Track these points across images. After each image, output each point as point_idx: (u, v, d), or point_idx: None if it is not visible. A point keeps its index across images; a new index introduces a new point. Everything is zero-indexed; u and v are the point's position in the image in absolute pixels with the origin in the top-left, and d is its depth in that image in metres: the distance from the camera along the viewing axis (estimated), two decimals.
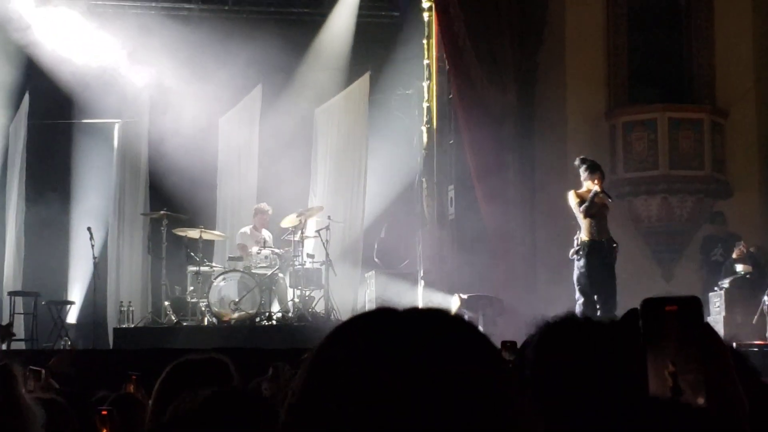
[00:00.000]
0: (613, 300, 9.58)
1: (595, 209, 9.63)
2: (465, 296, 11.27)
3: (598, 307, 9.67)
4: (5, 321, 11.28)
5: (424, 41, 12.62)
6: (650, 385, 1.31)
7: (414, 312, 1.13)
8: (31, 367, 5.55)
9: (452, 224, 12.30)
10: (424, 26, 12.60)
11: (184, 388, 3.16)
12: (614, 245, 9.75)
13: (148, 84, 12.58)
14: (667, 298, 1.36)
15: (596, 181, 9.63)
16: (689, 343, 1.32)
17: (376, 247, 12.15)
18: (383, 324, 1.11)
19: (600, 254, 9.67)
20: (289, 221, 11.34)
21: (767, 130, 12.67)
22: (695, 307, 1.34)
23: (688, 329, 1.33)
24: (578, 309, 9.51)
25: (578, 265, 9.77)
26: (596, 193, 9.56)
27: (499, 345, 5.00)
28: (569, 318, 1.55)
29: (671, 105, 12.45)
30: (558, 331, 1.52)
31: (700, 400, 1.31)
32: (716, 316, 10.85)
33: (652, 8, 12.86)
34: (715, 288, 11.08)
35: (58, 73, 12.64)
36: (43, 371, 5.67)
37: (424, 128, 12.71)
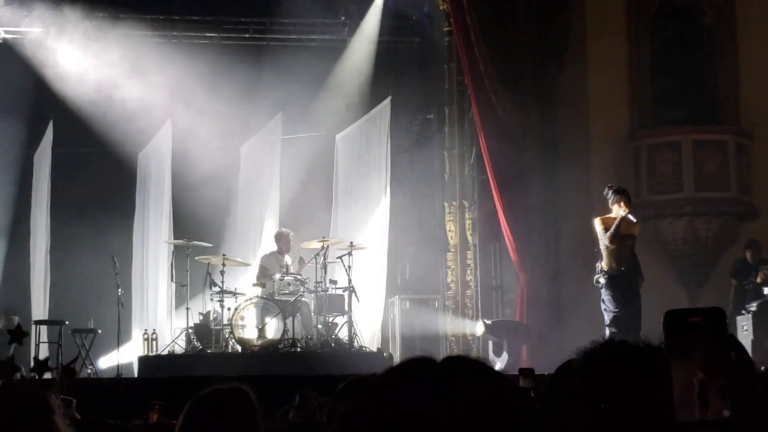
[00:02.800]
0: (637, 322, 9.48)
1: (619, 239, 9.55)
2: (489, 322, 11.22)
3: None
4: (33, 351, 11.32)
5: (445, 65, 12.64)
6: (675, 396, 1.29)
7: (449, 364, 1.21)
8: (62, 396, 5.56)
9: (475, 249, 12.25)
10: (444, 51, 12.62)
11: (209, 420, 3.23)
12: (637, 274, 9.65)
13: (170, 112, 12.66)
14: (691, 309, 1.36)
15: (622, 204, 9.57)
16: (714, 353, 1.31)
17: (399, 272, 12.12)
18: (420, 379, 1.18)
19: (621, 280, 9.61)
20: (310, 245, 11.35)
21: None
22: (719, 317, 1.33)
23: (713, 340, 1.31)
24: (607, 335, 9.44)
25: (603, 291, 9.73)
26: (623, 218, 9.51)
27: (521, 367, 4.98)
28: (608, 342, 1.55)
29: (695, 127, 12.39)
30: (600, 355, 1.51)
31: (726, 412, 1.29)
32: (744, 339, 10.72)
33: (675, 29, 12.84)
34: (743, 311, 10.96)
35: (82, 103, 12.74)
36: (74, 401, 5.67)
37: (445, 153, 12.69)
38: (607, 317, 9.65)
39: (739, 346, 1.36)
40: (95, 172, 13.32)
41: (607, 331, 9.41)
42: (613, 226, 9.47)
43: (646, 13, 12.72)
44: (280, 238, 11.76)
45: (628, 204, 9.63)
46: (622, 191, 9.69)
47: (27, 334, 6.46)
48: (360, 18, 13.25)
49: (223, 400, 3.19)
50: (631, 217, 9.61)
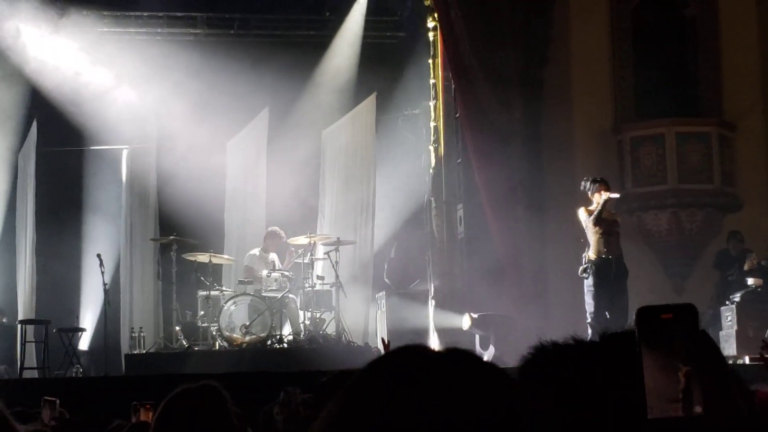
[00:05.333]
0: (624, 317, 9.56)
1: (604, 223, 9.64)
2: (476, 315, 11.25)
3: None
4: (19, 351, 11.31)
5: (430, 61, 12.66)
6: (647, 393, 1.30)
7: (442, 355, 1.19)
8: (45, 397, 5.55)
9: (462, 243, 12.29)
10: (429, 46, 12.64)
11: (180, 420, 3.25)
12: (623, 263, 9.74)
13: (156, 109, 12.63)
14: (662, 306, 1.35)
15: (602, 193, 9.67)
16: (686, 350, 1.32)
17: (386, 267, 12.14)
18: (412, 368, 1.16)
19: (607, 272, 9.67)
20: (297, 240, 11.37)
21: None
22: (690, 314, 1.34)
23: (684, 337, 1.33)
24: (589, 329, 9.50)
25: (587, 284, 9.78)
26: (607, 198, 9.61)
27: (512, 362, 5.01)
28: (552, 344, 1.57)
29: (678, 119, 12.44)
30: (542, 357, 1.53)
31: (698, 409, 1.30)
32: (728, 330, 10.80)
33: (657, 22, 12.88)
34: (727, 302, 11.03)
35: (66, 101, 12.70)
36: (57, 401, 5.67)
37: (431, 147, 12.72)
38: (588, 312, 9.72)
39: (711, 343, 1.38)
40: (81, 171, 13.30)
41: (589, 330, 9.48)
42: (598, 207, 9.57)
43: (629, 5, 12.75)
44: (272, 236, 11.72)
45: (608, 190, 9.72)
46: (600, 180, 9.78)
47: None
48: (344, 14, 13.26)
49: (194, 398, 3.20)
50: (614, 195, 9.71)
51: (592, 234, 9.73)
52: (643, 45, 12.70)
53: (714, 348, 1.36)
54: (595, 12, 12.58)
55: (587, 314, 9.76)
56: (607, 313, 9.69)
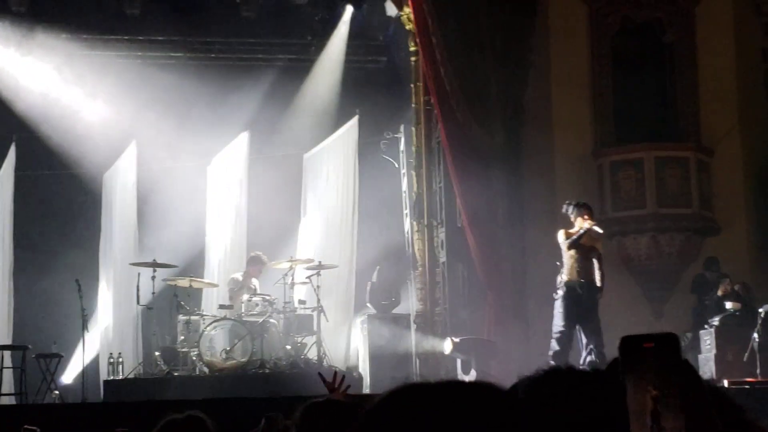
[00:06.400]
0: (598, 340, 9.60)
1: (581, 248, 9.71)
2: (457, 339, 11.24)
3: (587, 350, 9.70)
4: None
5: (412, 85, 12.71)
6: (631, 423, 1.33)
7: (442, 387, 1.22)
8: (26, 426, 5.49)
9: (443, 267, 12.30)
10: (411, 70, 12.69)
11: None
12: (596, 288, 9.78)
13: (135, 133, 12.58)
14: (645, 335, 1.38)
15: (585, 217, 9.74)
16: (667, 379, 1.34)
17: (368, 291, 12.12)
18: (416, 405, 1.19)
19: (578, 296, 9.74)
20: (278, 264, 11.35)
21: (753, 166, 12.78)
22: (672, 343, 1.37)
23: (666, 366, 1.35)
24: (551, 353, 9.57)
25: (556, 305, 9.87)
26: (588, 229, 9.67)
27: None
28: (552, 370, 1.58)
29: (657, 144, 12.56)
30: (541, 384, 1.54)
31: None
32: (707, 353, 10.86)
33: (635, 48, 13.02)
34: (705, 326, 11.09)
35: (44, 124, 12.63)
36: (38, 430, 5.60)
37: (413, 171, 12.75)
38: (554, 332, 9.79)
39: (692, 372, 1.41)
40: (59, 194, 13.20)
41: (551, 350, 9.56)
42: (577, 234, 9.64)
43: (608, 31, 12.88)
44: (254, 261, 11.70)
45: (592, 216, 9.79)
46: (584, 204, 9.87)
47: None
48: (326, 38, 13.30)
49: (180, 429, 3.21)
50: (597, 228, 9.77)
51: (567, 257, 9.82)
52: (622, 70, 12.83)
53: (695, 377, 1.39)
54: (575, 37, 12.70)
55: (552, 334, 9.84)
56: (581, 335, 9.75)
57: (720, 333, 10.83)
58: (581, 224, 9.79)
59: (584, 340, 9.87)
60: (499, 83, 11.91)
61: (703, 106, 12.85)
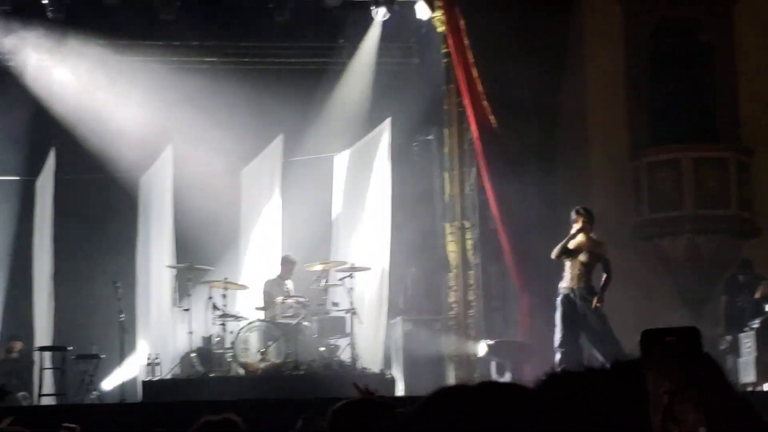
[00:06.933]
0: (606, 348, 9.41)
1: (571, 254, 9.60)
2: (491, 342, 11.22)
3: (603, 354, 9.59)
4: (37, 378, 11.33)
5: (444, 87, 12.70)
6: (651, 415, 1.33)
7: (483, 389, 1.23)
8: (64, 424, 5.56)
9: (476, 269, 12.26)
10: (443, 72, 12.68)
11: None
12: (590, 296, 9.61)
13: (171, 137, 12.70)
14: (666, 329, 1.39)
15: (576, 225, 9.65)
16: (689, 372, 1.35)
17: (401, 293, 12.13)
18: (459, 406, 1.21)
19: (570, 303, 9.64)
20: (312, 267, 11.40)
21: None
22: (694, 337, 1.37)
23: (688, 359, 1.36)
24: (555, 358, 9.48)
25: (555, 314, 9.75)
26: (574, 233, 9.60)
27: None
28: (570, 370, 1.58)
29: (694, 145, 12.43)
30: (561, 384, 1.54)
31: (702, 430, 1.32)
32: (747, 357, 10.70)
33: (672, 47, 12.88)
34: (746, 328, 10.94)
35: (82, 130, 12.78)
36: (78, 427, 5.67)
37: (445, 173, 12.73)
38: (555, 338, 9.67)
39: (715, 365, 1.39)
40: (97, 198, 13.35)
41: (556, 358, 9.47)
42: (565, 239, 9.56)
43: (644, 30, 12.78)
44: (285, 262, 11.81)
45: (586, 223, 9.61)
46: (579, 211, 9.71)
47: (9, 393, 6.50)
48: (359, 40, 13.31)
49: (217, 429, 3.29)
50: (573, 233, 9.61)
51: (564, 264, 9.71)
52: (659, 70, 12.71)
53: (717, 369, 1.38)
54: (610, 37, 12.61)
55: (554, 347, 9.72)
56: (569, 346, 9.59)
57: (761, 335, 10.67)
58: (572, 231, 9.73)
59: (595, 352, 9.69)
60: (533, 84, 11.86)
61: (742, 105, 12.70)
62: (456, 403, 1.22)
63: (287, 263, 11.79)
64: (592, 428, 1.43)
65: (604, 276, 9.65)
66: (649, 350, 1.38)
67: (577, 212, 9.69)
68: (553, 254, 9.65)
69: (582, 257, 9.60)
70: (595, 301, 9.54)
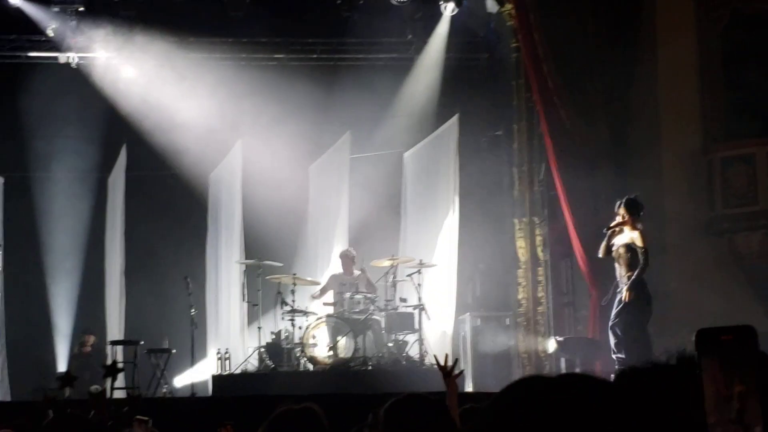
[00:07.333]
0: (615, 345, 9.32)
1: (610, 251, 9.48)
2: (561, 338, 11.11)
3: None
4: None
5: (513, 82, 12.60)
6: (707, 414, 1.31)
7: (562, 380, 1.22)
8: (137, 416, 5.64)
9: (545, 265, 12.16)
10: (512, 67, 12.59)
11: None
12: (618, 290, 9.48)
13: (239, 133, 12.82)
14: (722, 327, 1.37)
15: (618, 217, 9.52)
16: (746, 371, 1.33)
17: (469, 290, 12.08)
18: (537, 396, 1.20)
19: (610, 298, 9.57)
20: (380, 263, 11.43)
21: None
22: (751, 336, 1.36)
23: (744, 358, 1.34)
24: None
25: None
26: (610, 228, 9.49)
27: None
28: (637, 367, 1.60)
29: None
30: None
31: (758, 429, 1.31)
32: None
33: (747, 40, 12.61)
34: None
35: (152, 126, 12.97)
36: (150, 420, 5.76)
37: (515, 169, 12.64)
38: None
39: None
40: (168, 195, 13.54)
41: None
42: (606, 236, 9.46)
43: (717, 25, 12.53)
44: (343, 258, 11.85)
45: (628, 215, 9.45)
46: (624, 202, 9.52)
47: (120, 370, 6.59)
48: (427, 36, 13.28)
49: (295, 419, 3.33)
50: (612, 224, 9.47)
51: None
52: (732, 64, 12.45)
53: None
54: (683, 31, 12.39)
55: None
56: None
57: None
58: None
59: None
60: (604, 79, 11.71)
61: None
62: (537, 393, 1.21)
63: (345, 258, 11.82)
64: (656, 426, 1.43)
65: (638, 268, 9.42)
66: (704, 348, 1.35)
67: (618, 205, 9.56)
68: (600, 253, 9.52)
69: (622, 251, 9.45)
70: (625, 293, 9.35)
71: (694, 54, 12.43)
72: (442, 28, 13.10)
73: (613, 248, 9.48)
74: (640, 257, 9.34)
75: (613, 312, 9.44)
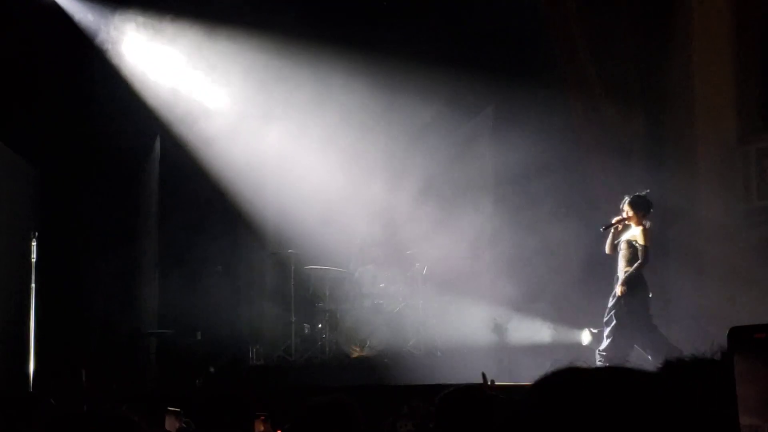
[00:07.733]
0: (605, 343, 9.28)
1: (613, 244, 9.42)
2: (595, 330, 11.04)
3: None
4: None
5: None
6: (740, 411, 1.30)
7: (599, 373, 1.23)
8: (169, 408, 5.69)
9: (581, 259, 12.07)
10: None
11: (315, 428, 3.38)
12: (614, 287, 9.43)
13: (269, 124, 12.81)
14: (756, 326, 1.36)
15: (623, 213, 9.44)
16: None
17: (502, 282, 12.04)
18: (573, 386, 1.20)
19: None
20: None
21: None
22: None
23: None
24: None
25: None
26: (614, 223, 9.40)
27: None
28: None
29: None
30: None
31: None
32: None
33: None
34: None
35: (182, 117, 12.98)
36: (181, 411, 5.79)
37: None
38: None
39: None
40: (201, 186, 13.56)
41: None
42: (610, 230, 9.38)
43: (755, 13, 12.38)
44: (370, 248, 11.83)
45: (632, 212, 9.37)
46: (627, 200, 9.45)
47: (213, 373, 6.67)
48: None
49: (326, 411, 3.34)
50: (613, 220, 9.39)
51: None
52: None
53: None
54: (718, 21, 12.25)
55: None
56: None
57: None
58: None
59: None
60: (639, 70, 11.60)
61: None
62: (572, 381, 1.21)
63: (373, 249, 11.80)
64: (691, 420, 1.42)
65: (637, 263, 9.33)
66: (737, 346, 1.34)
67: (623, 203, 9.47)
68: (606, 249, 9.45)
69: (623, 246, 9.37)
70: (618, 287, 9.30)
71: (731, 43, 12.29)
72: None
73: (622, 244, 9.42)
74: (639, 254, 9.25)
75: (608, 305, 9.42)
